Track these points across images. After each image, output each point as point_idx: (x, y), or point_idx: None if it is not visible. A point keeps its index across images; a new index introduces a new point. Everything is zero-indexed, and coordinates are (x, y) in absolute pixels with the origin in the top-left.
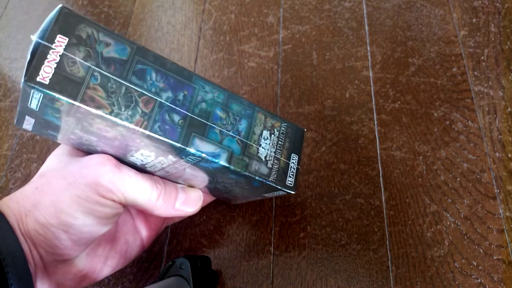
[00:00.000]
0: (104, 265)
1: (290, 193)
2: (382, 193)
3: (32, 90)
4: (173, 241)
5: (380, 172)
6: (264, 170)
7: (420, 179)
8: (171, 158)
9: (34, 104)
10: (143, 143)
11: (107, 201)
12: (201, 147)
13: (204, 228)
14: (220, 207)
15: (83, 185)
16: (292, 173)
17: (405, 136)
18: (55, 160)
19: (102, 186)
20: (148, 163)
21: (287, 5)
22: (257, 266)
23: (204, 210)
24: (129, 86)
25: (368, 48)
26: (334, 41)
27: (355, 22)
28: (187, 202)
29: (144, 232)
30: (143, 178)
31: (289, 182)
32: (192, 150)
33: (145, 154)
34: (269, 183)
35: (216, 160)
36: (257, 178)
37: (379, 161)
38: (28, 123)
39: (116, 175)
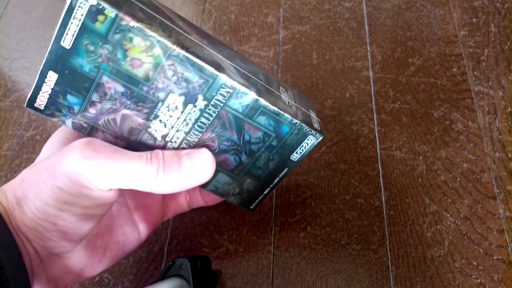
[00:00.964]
0: (102, 257)
1: (320, 138)
2: (382, 193)
3: (77, 6)
4: (173, 241)
5: (380, 172)
6: (291, 110)
7: (420, 179)
8: (200, 103)
9: (69, 36)
10: (174, 79)
11: (91, 190)
12: (232, 77)
13: (204, 228)
14: (220, 207)
15: (63, 176)
16: (316, 121)
17: (405, 136)
18: (46, 149)
19: (81, 175)
20: (171, 129)
21: (287, 5)
22: (257, 266)
23: (204, 210)
24: (162, 20)
25: (368, 48)
26: (334, 41)
27: (355, 22)
28: (196, 167)
29: (141, 224)
30: (132, 156)
31: (315, 126)
32: (223, 78)
33: (172, 106)
34: (299, 122)
35: (247, 91)
36: (287, 116)
37: (379, 161)
38: (45, 92)
39: (95, 160)
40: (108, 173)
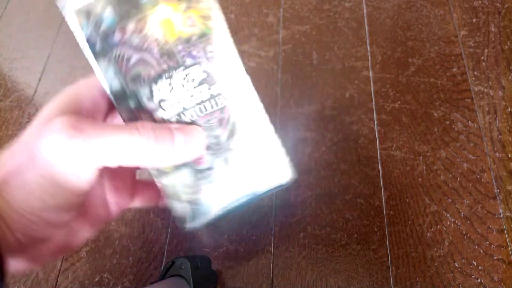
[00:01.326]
0: (81, 233)
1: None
2: (382, 193)
3: None
4: (173, 241)
5: (380, 172)
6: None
7: (420, 179)
8: (215, 88)
9: None
10: (209, 55)
11: (77, 174)
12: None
13: (204, 228)
14: None
15: (43, 161)
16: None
17: (405, 136)
18: (35, 123)
19: (62, 158)
20: (174, 97)
21: (287, 5)
22: (257, 266)
23: None
24: None
25: (368, 48)
26: (334, 41)
27: (355, 22)
28: (189, 142)
29: (113, 206)
30: (120, 128)
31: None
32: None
33: (190, 76)
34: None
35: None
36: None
37: (379, 161)
38: None
39: (79, 138)
40: (97, 150)
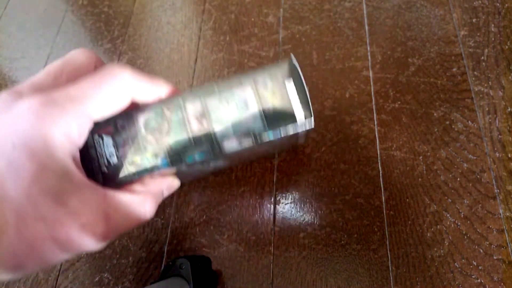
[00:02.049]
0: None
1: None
2: (382, 193)
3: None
4: (173, 241)
5: (380, 172)
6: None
7: (420, 179)
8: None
9: None
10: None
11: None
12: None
13: (204, 228)
14: (220, 207)
15: (55, 166)
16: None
17: (405, 136)
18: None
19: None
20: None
21: (287, 5)
22: (257, 266)
23: (204, 210)
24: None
25: (368, 48)
26: (334, 41)
27: (355, 22)
28: (170, 189)
29: None
30: (130, 194)
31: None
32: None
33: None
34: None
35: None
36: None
37: (379, 161)
38: None
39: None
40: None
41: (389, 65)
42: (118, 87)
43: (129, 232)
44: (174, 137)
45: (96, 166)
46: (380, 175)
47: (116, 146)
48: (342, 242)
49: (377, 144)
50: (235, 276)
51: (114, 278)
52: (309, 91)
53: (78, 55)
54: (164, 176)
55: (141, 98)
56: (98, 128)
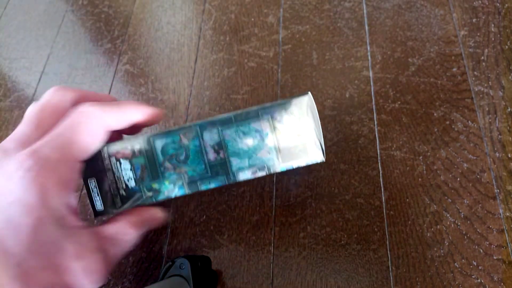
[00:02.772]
0: None
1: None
2: (382, 193)
3: None
4: (173, 241)
5: (380, 172)
6: None
7: (420, 179)
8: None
9: None
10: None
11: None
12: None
13: (204, 228)
14: (220, 207)
15: (53, 220)
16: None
17: (405, 136)
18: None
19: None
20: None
21: (287, 5)
22: (257, 266)
23: (204, 210)
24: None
25: (368, 48)
26: (334, 41)
27: (355, 22)
28: (147, 223)
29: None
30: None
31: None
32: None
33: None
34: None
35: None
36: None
37: (379, 161)
38: None
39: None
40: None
41: (389, 65)
42: (94, 125)
43: None
44: (191, 165)
45: (114, 188)
46: (380, 175)
47: (133, 170)
48: (342, 242)
49: (377, 144)
50: (235, 276)
51: (114, 278)
52: (310, 91)
53: (53, 95)
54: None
55: (118, 127)
56: (116, 151)
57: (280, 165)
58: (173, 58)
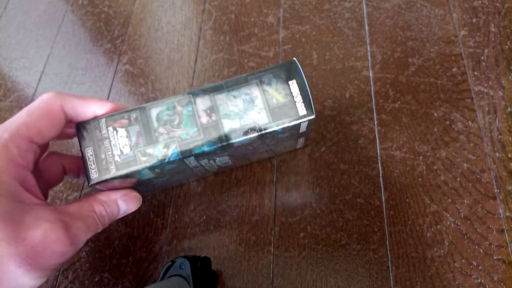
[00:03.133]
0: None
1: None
2: (382, 193)
3: None
4: (173, 241)
5: (380, 172)
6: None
7: (420, 179)
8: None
9: None
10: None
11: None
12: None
13: (204, 228)
14: (220, 207)
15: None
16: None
17: (405, 136)
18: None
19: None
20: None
21: (287, 5)
22: (257, 266)
23: (204, 210)
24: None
25: (368, 48)
26: (334, 41)
27: (355, 22)
28: (130, 206)
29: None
30: (79, 218)
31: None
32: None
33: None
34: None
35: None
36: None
37: (379, 161)
38: None
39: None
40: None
41: (389, 65)
42: (52, 112)
43: (129, 232)
44: (184, 129)
45: (110, 156)
46: (380, 175)
47: (129, 137)
48: (342, 242)
49: (377, 144)
50: (235, 276)
51: (114, 278)
52: (310, 91)
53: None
54: (124, 187)
55: (77, 118)
56: (113, 121)
57: (270, 124)
58: (173, 58)
